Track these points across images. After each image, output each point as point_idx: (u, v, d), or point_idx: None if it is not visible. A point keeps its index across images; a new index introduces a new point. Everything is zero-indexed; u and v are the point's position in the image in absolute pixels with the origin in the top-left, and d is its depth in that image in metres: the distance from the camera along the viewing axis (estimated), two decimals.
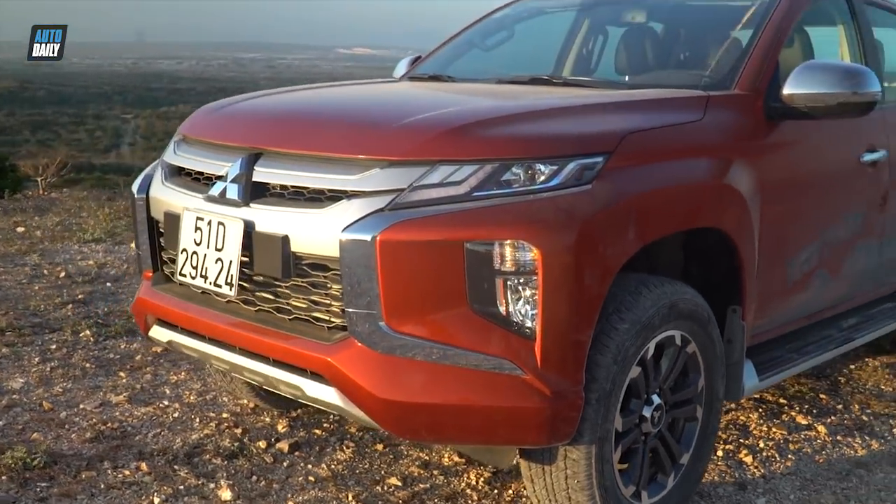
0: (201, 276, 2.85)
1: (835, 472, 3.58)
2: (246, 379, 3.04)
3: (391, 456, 3.58)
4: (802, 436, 3.91)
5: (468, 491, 3.30)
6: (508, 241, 2.46)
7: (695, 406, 3.09)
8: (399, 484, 3.33)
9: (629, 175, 2.69)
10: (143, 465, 3.41)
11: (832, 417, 4.12)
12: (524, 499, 3.24)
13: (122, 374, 4.39)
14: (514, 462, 2.80)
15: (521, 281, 2.47)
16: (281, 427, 3.80)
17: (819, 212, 3.63)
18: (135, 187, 3.26)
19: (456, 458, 3.55)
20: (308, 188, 2.68)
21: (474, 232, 2.47)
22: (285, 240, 2.64)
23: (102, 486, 3.25)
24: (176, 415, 3.93)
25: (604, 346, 2.64)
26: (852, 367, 4.86)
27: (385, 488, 3.30)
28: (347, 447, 3.64)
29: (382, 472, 3.43)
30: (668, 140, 2.89)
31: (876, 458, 3.70)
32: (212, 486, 3.28)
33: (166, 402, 4.06)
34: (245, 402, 4.06)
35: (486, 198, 2.51)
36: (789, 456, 3.71)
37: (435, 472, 3.44)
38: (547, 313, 2.47)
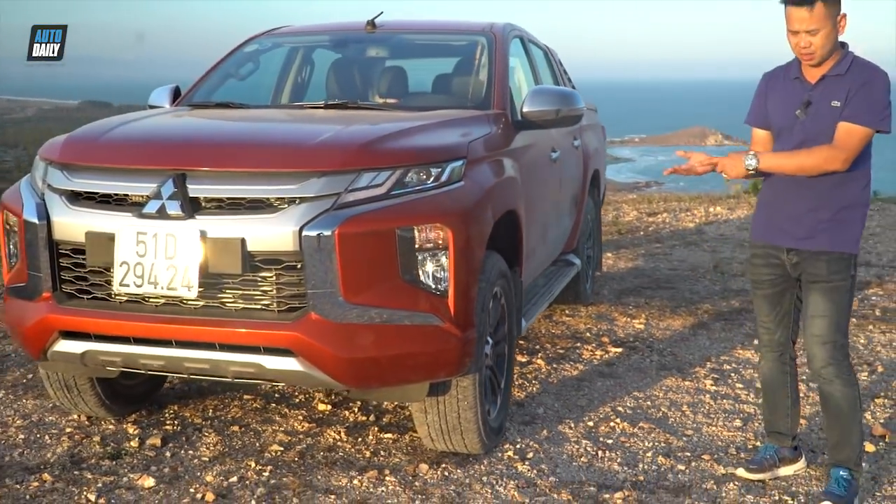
0: (149, 283, 3.26)
1: (570, 386, 4.86)
2: (187, 371, 3.46)
3: (252, 433, 4.13)
4: (530, 368, 5.15)
5: (339, 443, 4.02)
6: (427, 226, 3.31)
7: (504, 345, 4.14)
8: (282, 449, 3.94)
9: (475, 173, 3.67)
10: (46, 476, 3.62)
11: (541, 354, 5.43)
12: (386, 439, 4.05)
13: None
14: (425, 396, 3.62)
15: (437, 254, 3.34)
16: (132, 430, 4.14)
17: (540, 195, 4.89)
18: (30, 216, 3.47)
19: (307, 424, 4.23)
20: (247, 199, 3.27)
21: (401, 221, 3.29)
22: (243, 241, 3.21)
23: (28, 497, 3.44)
24: (22, 436, 4.06)
25: (476, 300, 3.60)
26: None
27: (274, 454, 3.89)
28: (209, 433, 4.11)
29: (258, 445, 4.00)
30: (484, 147, 3.90)
31: (589, 375, 5.06)
32: (125, 479, 3.62)
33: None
34: (75, 416, 4.28)
35: (400, 195, 3.34)
36: (533, 381, 4.92)
37: (300, 436, 4.09)
38: (456, 277, 3.37)
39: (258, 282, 3.27)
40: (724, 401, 4.64)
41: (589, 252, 6.89)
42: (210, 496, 3.46)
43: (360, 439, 4.06)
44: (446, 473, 3.70)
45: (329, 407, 4.43)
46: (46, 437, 4.06)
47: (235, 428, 4.18)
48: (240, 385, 4.66)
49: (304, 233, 3.18)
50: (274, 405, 4.47)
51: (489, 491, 3.56)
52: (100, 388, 4.10)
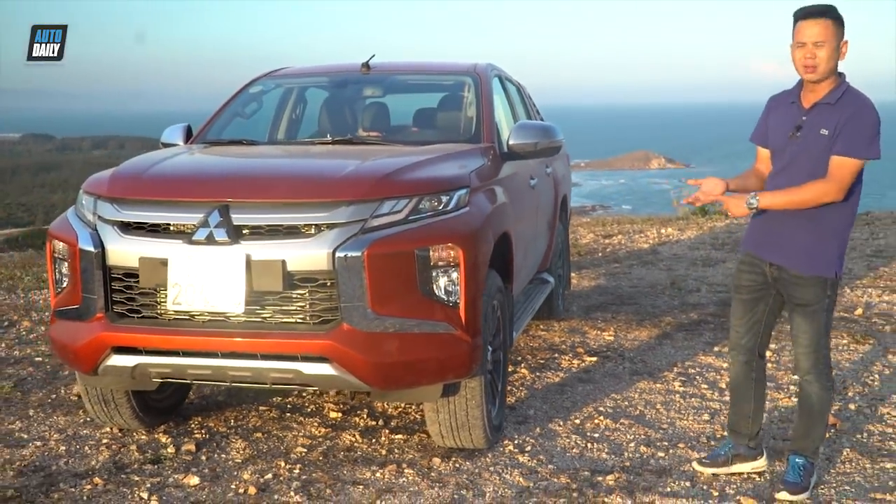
0: (201, 301, 3.70)
1: (554, 391, 5.36)
2: (229, 379, 3.89)
3: (274, 438, 4.56)
4: (516, 377, 5.63)
5: (356, 444, 4.47)
6: (441, 246, 3.81)
7: (500, 352, 4.64)
8: (305, 450, 4.38)
9: (477, 200, 4.18)
10: (97, 480, 4.01)
11: (524, 364, 5.93)
12: (397, 440, 4.51)
13: None
14: (439, 396, 4.09)
15: (449, 271, 3.83)
16: (164, 439, 4.54)
17: (523, 218, 5.40)
18: (86, 244, 3.89)
19: (323, 429, 4.67)
20: (284, 225, 3.74)
21: (419, 243, 3.79)
22: (283, 263, 3.67)
23: (84, 499, 3.84)
24: (63, 448, 4.44)
25: (481, 311, 4.09)
26: None
27: (300, 454, 4.33)
28: (236, 440, 4.53)
29: (283, 448, 4.43)
30: (481, 177, 4.41)
31: (569, 381, 5.58)
32: (171, 479, 4.04)
33: (39, 443, 4.51)
34: (108, 429, 4.66)
35: (417, 220, 3.84)
36: (520, 388, 5.42)
37: (320, 440, 4.53)
38: (467, 291, 3.87)
39: (295, 298, 3.74)
40: (692, 399, 5.19)
41: (559, 271, 7.43)
42: (252, 490, 3.90)
43: (374, 440, 4.51)
44: (457, 465, 4.18)
45: (340, 414, 4.88)
46: (86, 447, 4.45)
47: (259, 434, 4.61)
48: (256, 396, 5.10)
49: (338, 254, 3.66)
50: (289, 414, 4.91)
51: (497, 478, 4.04)
52: (134, 402, 4.50)
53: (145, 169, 4.17)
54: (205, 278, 3.71)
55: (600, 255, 11.07)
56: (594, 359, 6.05)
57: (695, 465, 4.19)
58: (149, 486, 3.97)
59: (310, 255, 3.69)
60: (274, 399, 5.15)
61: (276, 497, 3.85)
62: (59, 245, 4.13)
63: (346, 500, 3.83)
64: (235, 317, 3.76)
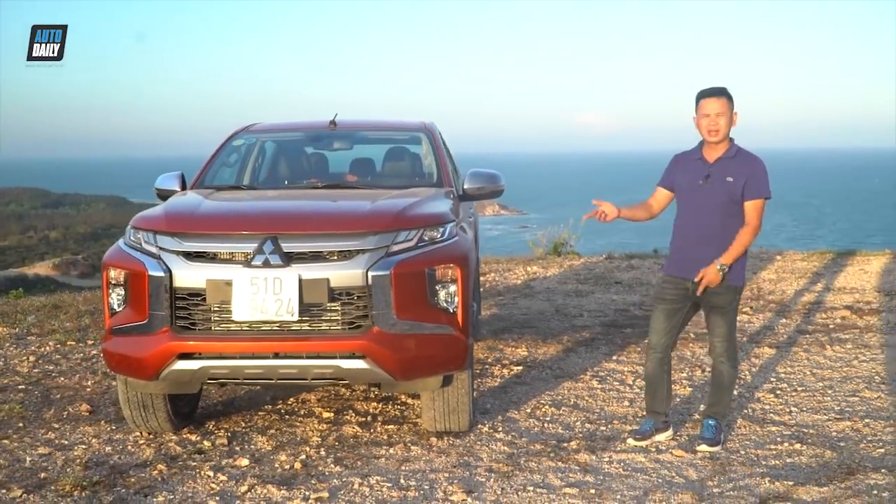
0: (261, 312, 4.63)
1: (499, 391, 6.49)
2: (278, 376, 4.81)
3: (287, 433, 5.46)
4: None
5: (359, 434, 5.43)
6: (443, 266, 4.91)
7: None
8: (320, 439, 5.32)
9: (459, 231, 5.31)
10: (160, 466, 4.82)
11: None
12: (391, 429, 5.51)
13: (6, 441, 5.31)
14: (439, 386, 5.13)
15: (448, 286, 4.93)
16: (194, 437, 5.36)
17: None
18: (154, 271, 4.73)
19: (324, 426, 5.61)
20: (325, 252, 4.74)
21: (428, 264, 4.87)
22: (328, 280, 4.67)
23: (160, 480, 4.66)
24: (108, 448, 5.19)
25: (471, 316, 5.19)
26: None
27: (317, 442, 5.26)
28: (255, 436, 5.39)
29: (300, 438, 5.35)
30: (455, 213, 5.52)
31: (508, 384, 6.72)
32: (224, 462, 4.90)
33: (84, 446, 5.23)
34: (138, 433, 5.43)
35: (423, 246, 4.92)
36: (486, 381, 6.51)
37: (326, 432, 5.47)
38: (462, 300, 4.97)
39: (335, 308, 4.73)
40: (611, 392, 6.44)
41: (476, 297, 8.60)
42: (298, 465, 4.83)
43: (372, 430, 5.50)
44: (451, 442, 5.24)
45: (332, 414, 5.83)
46: (128, 447, 5.22)
47: (273, 431, 5.50)
48: (250, 404, 5.98)
49: (370, 273, 4.69)
50: (288, 417, 5.81)
51: (487, 448, 5.13)
52: (169, 406, 5.32)
53: (194, 208, 5.08)
54: (264, 294, 4.64)
55: (482, 289, 12.26)
56: (520, 367, 7.22)
57: (630, 440, 5.36)
58: (208, 466, 4.82)
59: (349, 274, 4.69)
60: (267, 406, 6.03)
61: (319, 468, 4.80)
62: (114, 272, 4.94)
63: (377, 467, 4.83)
64: (287, 324, 4.70)
